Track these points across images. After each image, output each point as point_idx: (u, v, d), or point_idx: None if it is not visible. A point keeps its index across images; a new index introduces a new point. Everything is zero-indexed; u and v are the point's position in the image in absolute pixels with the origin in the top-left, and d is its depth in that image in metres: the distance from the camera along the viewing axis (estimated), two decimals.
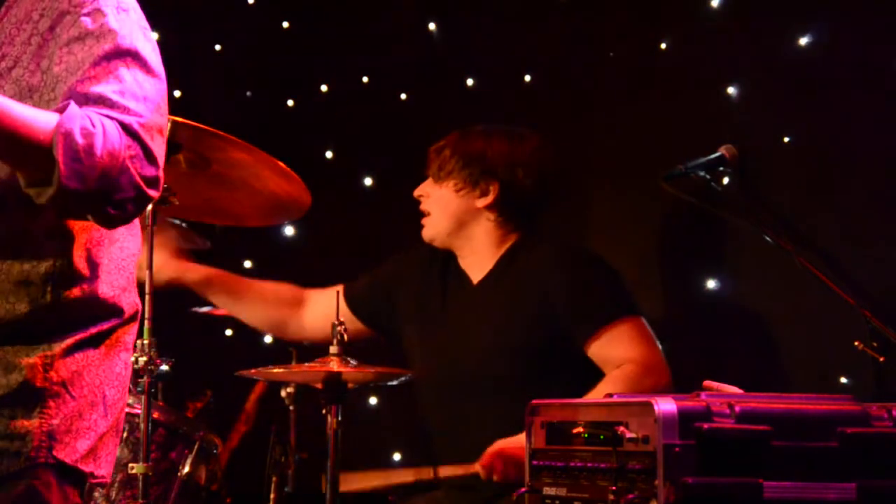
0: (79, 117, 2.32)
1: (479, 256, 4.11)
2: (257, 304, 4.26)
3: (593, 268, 4.04)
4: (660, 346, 3.96)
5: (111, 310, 2.58)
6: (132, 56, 2.47)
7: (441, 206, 4.09)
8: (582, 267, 4.03)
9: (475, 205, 4.06)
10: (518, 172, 4.02)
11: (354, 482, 3.94)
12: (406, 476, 4.00)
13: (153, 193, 2.42)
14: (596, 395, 3.75)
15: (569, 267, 4.00)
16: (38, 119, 2.31)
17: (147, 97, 2.45)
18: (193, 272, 4.18)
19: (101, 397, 2.56)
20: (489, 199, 4.04)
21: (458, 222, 4.09)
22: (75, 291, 2.51)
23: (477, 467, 3.79)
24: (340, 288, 4.07)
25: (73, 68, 2.44)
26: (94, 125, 2.33)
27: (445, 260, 4.18)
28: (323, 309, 4.19)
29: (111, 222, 2.45)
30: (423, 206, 4.13)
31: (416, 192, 4.14)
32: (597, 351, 3.88)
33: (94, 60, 2.43)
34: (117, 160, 2.35)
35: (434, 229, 4.12)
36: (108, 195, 2.36)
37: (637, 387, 3.72)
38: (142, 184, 2.39)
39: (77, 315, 2.53)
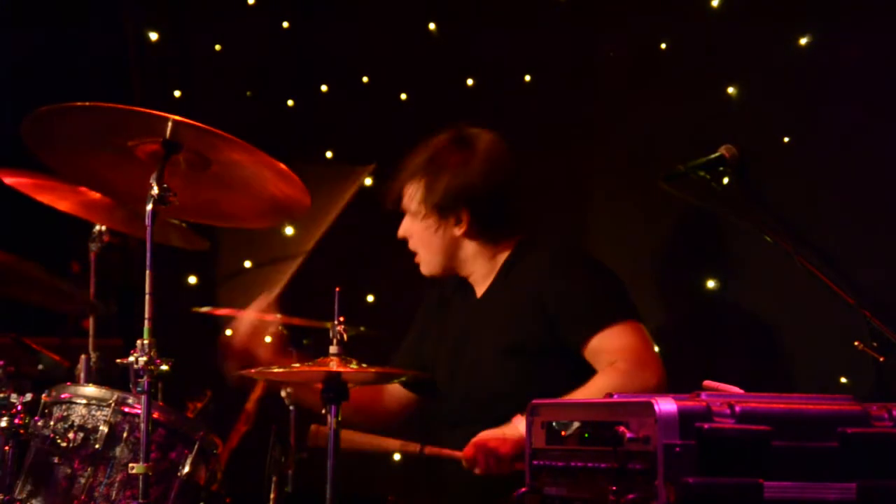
0: None
1: (480, 272, 4.13)
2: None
3: (588, 272, 4.02)
4: (655, 348, 3.94)
5: None
6: None
7: (424, 244, 4.11)
8: (577, 272, 4.01)
9: (454, 234, 4.07)
10: (478, 184, 4.00)
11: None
12: (392, 445, 4.01)
13: None
14: (585, 391, 3.74)
15: (564, 272, 3.99)
16: None
17: None
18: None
19: None
20: (464, 226, 4.05)
21: (447, 254, 4.11)
22: None
23: (461, 455, 3.80)
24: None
25: None
26: None
27: (459, 280, 4.19)
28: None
29: None
30: (410, 247, 4.15)
31: (400, 234, 4.15)
32: (591, 353, 3.87)
33: None
34: None
35: (429, 266, 4.14)
36: None
37: (627, 382, 3.70)
38: None
39: None
